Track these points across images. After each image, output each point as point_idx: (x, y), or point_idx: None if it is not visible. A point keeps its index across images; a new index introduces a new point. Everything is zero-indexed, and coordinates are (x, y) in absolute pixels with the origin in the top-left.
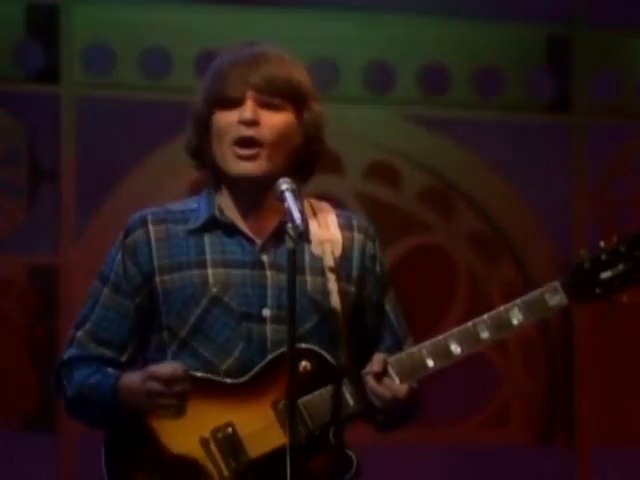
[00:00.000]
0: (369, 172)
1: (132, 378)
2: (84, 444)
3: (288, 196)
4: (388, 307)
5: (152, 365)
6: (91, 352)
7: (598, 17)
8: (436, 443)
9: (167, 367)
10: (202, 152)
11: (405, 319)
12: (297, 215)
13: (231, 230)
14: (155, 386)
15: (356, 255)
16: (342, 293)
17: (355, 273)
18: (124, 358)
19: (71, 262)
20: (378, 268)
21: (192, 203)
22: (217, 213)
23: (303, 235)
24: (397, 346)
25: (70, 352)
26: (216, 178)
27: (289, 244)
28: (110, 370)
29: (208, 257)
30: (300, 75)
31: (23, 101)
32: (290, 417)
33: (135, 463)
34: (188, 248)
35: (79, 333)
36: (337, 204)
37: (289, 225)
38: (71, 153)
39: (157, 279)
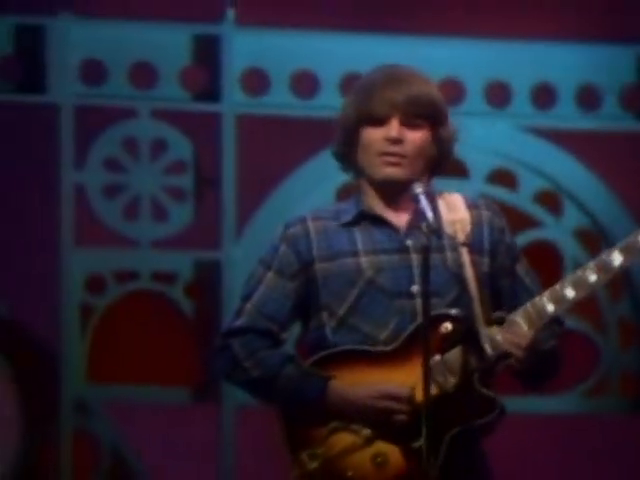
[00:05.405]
0: (491, 177)
1: (354, 392)
2: (248, 414)
3: (422, 198)
4: (521, 272)
5: (384, 386)
6: (260, 324)
7: None
8: (540, 412)
9: (401, 388)
10: (348, 158)
11: (539, 282)
12: (430, 214)
13: (378, 221)
14: (393, 405)
15: (486, 229)
16: (475, 263)
17: (487, 245)
18: (285, 335)
19: (232, 258)
20: (507, 238)
21: (342, 206)
22: (366, 208)
23: (435, 232)
24: None
25: (241, 321)
26: (360, 180)
27: (423, 240)
28: (306, 367)
29: (360, 247)
30: (437, 95)
31: (190, 119)
32: (425, 378)
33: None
34: (342, 240)
35: (248, 305)
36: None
37: (423, 223)
38: (231, 164)
39: (317, 266)
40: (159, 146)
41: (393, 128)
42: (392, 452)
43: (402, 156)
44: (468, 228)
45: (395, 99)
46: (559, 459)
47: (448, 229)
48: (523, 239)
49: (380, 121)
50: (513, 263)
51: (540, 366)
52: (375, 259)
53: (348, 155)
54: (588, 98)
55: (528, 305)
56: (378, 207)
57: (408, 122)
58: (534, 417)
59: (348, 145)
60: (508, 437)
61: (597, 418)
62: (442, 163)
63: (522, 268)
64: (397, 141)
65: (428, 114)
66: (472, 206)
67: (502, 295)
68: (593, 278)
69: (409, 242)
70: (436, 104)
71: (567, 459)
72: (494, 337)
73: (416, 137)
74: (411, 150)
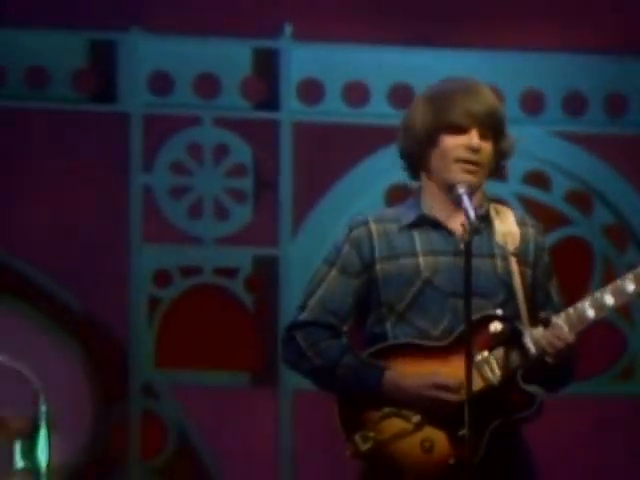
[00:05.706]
0: (526, 178)
1: (407, 381)
2: (305, 397)
3: (465, 198)
4: (552, 290)
5: (435, 377)
6: (321, 318)
7: None
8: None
9: (450, 379)
10: (419, 160)
11: (562, 301)
12: (472, 213)
13: (436, 226)
14: (443, 395)
15: (531, 245)
16: (522, 273)
17: (531, 259)
18: (345, 328)
19: (288, 254)
20: (546, 257)
21: (401, 209)
22: (426, 212)
23: (477, 229)
24: None
25: (304, 316)
26: (425, 182)
27: (466, 236)
28: (363, 357)
29: (418, 248)
30: (502, 108)
31: (250, 126)
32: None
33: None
34: (402, 242)
35: (311, 301)
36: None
37: (466, 221)
38: (288, 167)
39: (378, 267)
40: (221, 151)
41: (474, 138)
42: (439, 438)
43: (478, 164)
44: (517, 241)
45: (476, 111)
46: (593, 437)
47: (499, 239)
48: (556, 236)
49: (461, 130)
50: (547, 280)
51: (568, 368)
52: (432, 260)
53: (419, 157)
54: (615, 105)
55: (570, 309)
56: (438, 211)
57: (483, 133)
58: (568, 399)
59: (423, 148)
60: (544, 417)
61: (624, 400)
62: (495, 172)
63: (554, 287)
64: (477, 150)
65: (497, 126)
66: (521, 223)
67: (535, 306)
68: (631, 287)
69: (463, 246)
70: (503, 118)
71: (600, 437)
72: (537, 337)
73: (488, 147)
74: (485, 159)
